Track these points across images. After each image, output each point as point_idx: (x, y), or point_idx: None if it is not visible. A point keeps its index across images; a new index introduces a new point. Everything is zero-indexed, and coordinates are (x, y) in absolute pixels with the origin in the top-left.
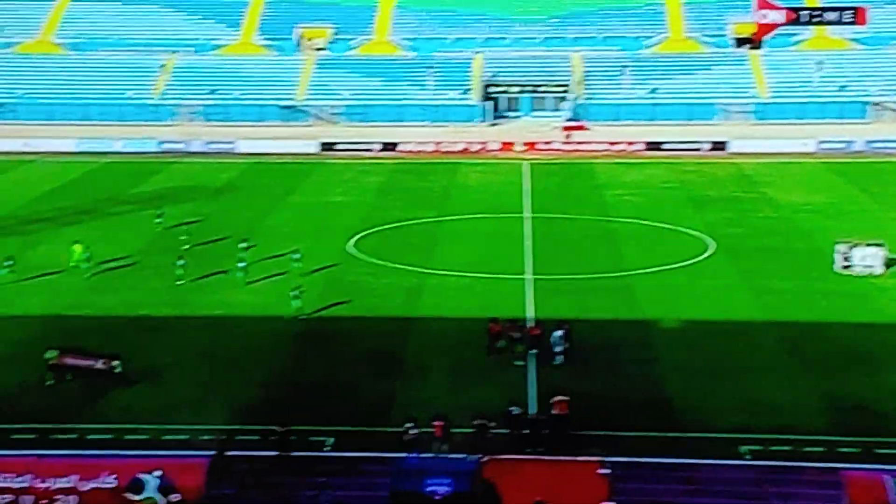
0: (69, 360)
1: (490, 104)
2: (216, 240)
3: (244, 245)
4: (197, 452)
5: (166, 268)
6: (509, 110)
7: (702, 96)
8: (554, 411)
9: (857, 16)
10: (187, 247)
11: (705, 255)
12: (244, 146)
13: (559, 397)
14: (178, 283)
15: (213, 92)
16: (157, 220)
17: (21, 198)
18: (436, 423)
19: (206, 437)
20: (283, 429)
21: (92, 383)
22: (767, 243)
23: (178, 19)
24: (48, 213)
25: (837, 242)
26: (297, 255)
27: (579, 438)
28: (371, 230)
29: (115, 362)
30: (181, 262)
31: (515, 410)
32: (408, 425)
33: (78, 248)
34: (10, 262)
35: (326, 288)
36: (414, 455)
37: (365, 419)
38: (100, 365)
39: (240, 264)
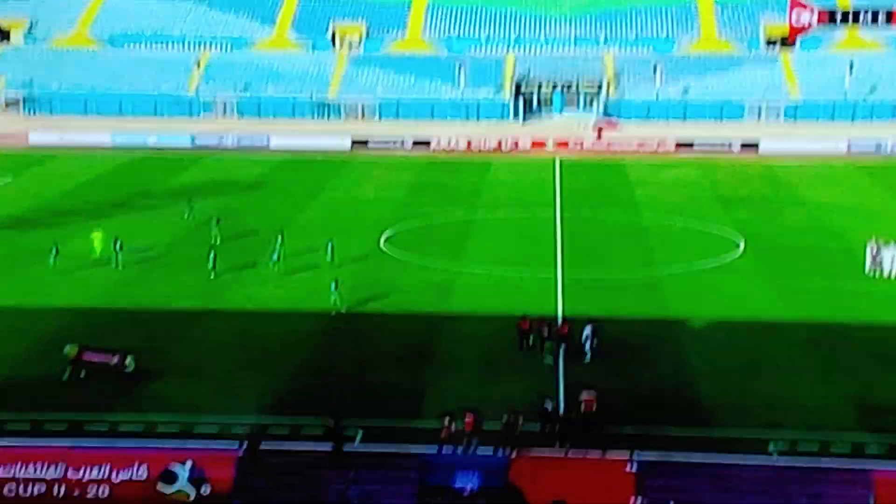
0: (86, 357)
1: (522, 102)
2: (246, 235)
3: (280, 239)
4: (228, 444)
5: (198, 261)
6: (541, 108)
7: (733, 96)
8: (581, 409)
9: (891, 17)
10: (217, 242)
11: (735, 254)
12: (277, 142)
13: (587, 393)
14: (211, 276)
15: (246, 87)
16: (187, 216)
17: (55, 190)
18: (466, 417)
19: (237, 429)
20: (334, 421)
21: (123, 375)
22: (797, 243)
23: (212, 15)
24: (82, 205)
25: (867, 243)
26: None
27: (607, 434)
28: (403, 227)
29: (128, 359)
30: (212, 255)
31: (549, 405)
32: (446, 419)
33: (98, 234)
34: (55, 252)
35: (358, 284)
36: (445, 450)
37: (395, 413)
38: (114, 361)
39: (273, 256)
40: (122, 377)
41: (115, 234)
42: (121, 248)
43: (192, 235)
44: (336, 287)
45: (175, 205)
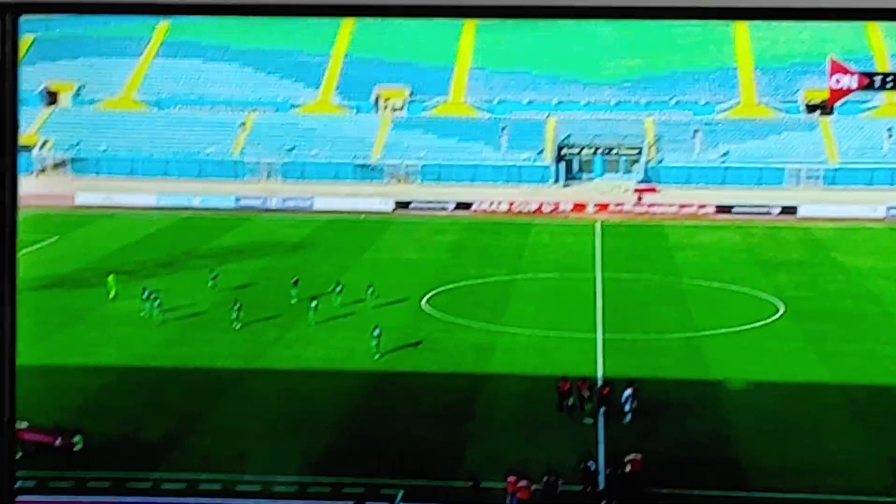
0: (27, 436)
1: (563, 165)
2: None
3: (337, 289)
4: (270, 502)
5: (242, 321)
6: (582, 172)
7: (772, 161)
8: (627, 469)
9: None
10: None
11: (774, 317)
12: (320, 203)
13: (633, 455)
14: (234, 326)
15: (291, 150)
16: (211, 282)
17: (102, 250)
18: (509, 478)
19: (278, 488)
20: (471, 482)
21: (166, 432)
22: (836, 307)
23: (258, 78)
24: (128, 265)
25: None
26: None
27: (648, 496)
28: (444, 287)
29: (76, 438)
30: (236, 307)
31: (592, 465)
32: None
33: (111, 279)
34: (158, 301)
35: (400, 343)
36: None
37: (435, 473)
38: (57, 443)
39: (312, 304)
40: (168, 433)
41: (160, 292)
42: (158, 304)
43: (234, 296)
44: (378, 333)
45: (219, 266)
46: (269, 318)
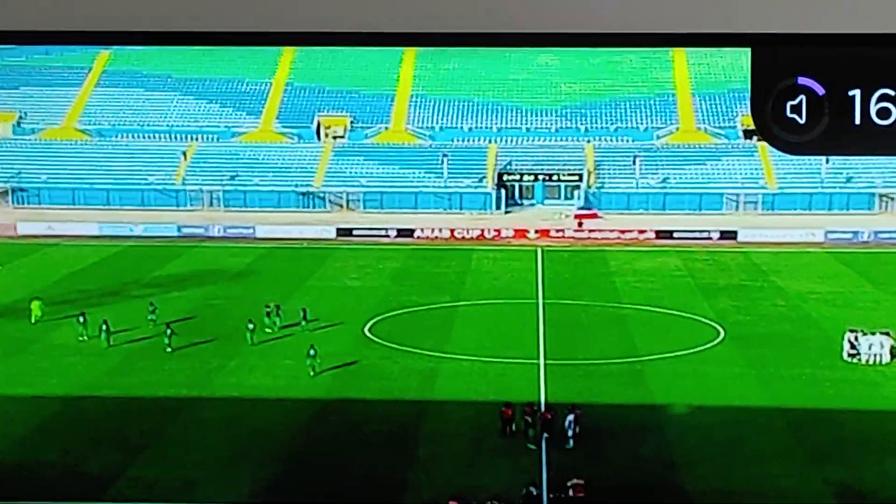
0: None
1: (504, 192)
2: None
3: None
4: None
5: (184, 350)
6: (522, 198)
7: (712, 186)
8: (570, 493)
9: None
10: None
11: (715, 342)
12: (262, 231)
13: (576, 480)
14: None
15: (232, 178)
16: (151, 318)
17: (44, 280)
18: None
19: None
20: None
21: (110, 461)
22: (776, 331)
23: (199, 107)
24: (71, 295)
25: (846, 331)
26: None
27: None
28: (387, 315)
29: None
30: (168, 333)
31: (535, 491)
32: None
33: (35, 304)
34: (105, 326)
35: (342, 371)
36: None
37: (380, 501)
38: None
39: (249, 325)
40: (110, 462)
41: (105, 321)
42: (105, 328)
43: (179, 325)
44: (314, 354)
45: (164, 294)
46: (212, 347)
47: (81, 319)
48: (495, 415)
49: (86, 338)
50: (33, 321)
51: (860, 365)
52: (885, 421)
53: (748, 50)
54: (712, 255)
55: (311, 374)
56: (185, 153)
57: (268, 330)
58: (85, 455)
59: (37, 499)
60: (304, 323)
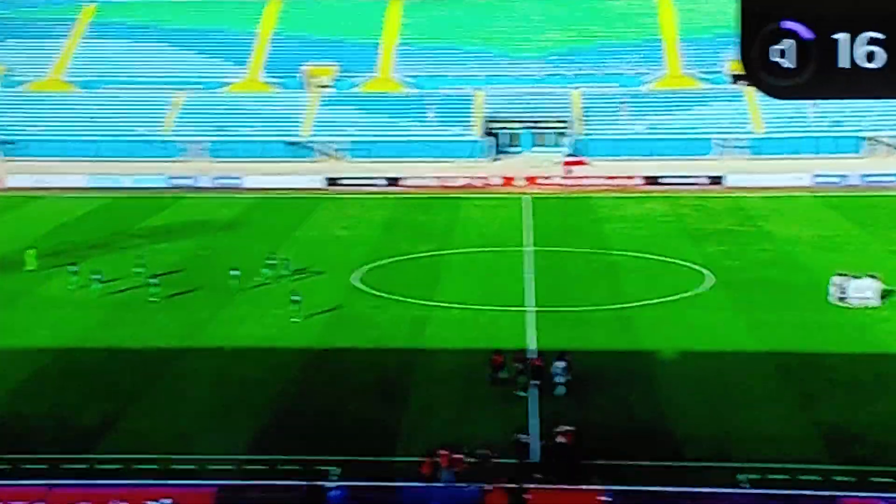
0: None
1: (491, 140)
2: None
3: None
4: (205, 482)
5: (173, 301)
6: (510, 146)
7: (699, 132)
8: (560, 440)
9: None
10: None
11: (703, 287)
12: (251, 182)
13: (565, 427)
14: (151, 300)
15: (220, 128)
16: (138, 270)
17: (33, 233)
18: (441, 451)
19: (214, 467)
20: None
21: (102, 413)
22: (764, 276)
23: (186, 57)
24: (60, 247)
25: (833, 275)
26: (272, 262)
27: (581, 467)
28: (376, 264)
29: None
30: (154, 281)
31: (524, 438)
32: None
33: (30, 253)
34: (99, 276)
35: (332, 320)
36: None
37: (370, 449)
38: None
39: (232, 272)
40: (102, 414)
41: (94, 273)
42: (99, 278)
43: (167, 277)
44: (298, 299)
45: (152, 245)
46: (202, 298)
47: (74, 269)
48: (485, 362)
49: (76, 287)
50: (28, 269)
51: (848, 308)
52: (873, 364)
53: None
54: (700, 201)
55: (297, 320)
56: (172, 104)
57: (265, 280)
58: (77, 407)
59: (29, 451)
60: (288, 273)
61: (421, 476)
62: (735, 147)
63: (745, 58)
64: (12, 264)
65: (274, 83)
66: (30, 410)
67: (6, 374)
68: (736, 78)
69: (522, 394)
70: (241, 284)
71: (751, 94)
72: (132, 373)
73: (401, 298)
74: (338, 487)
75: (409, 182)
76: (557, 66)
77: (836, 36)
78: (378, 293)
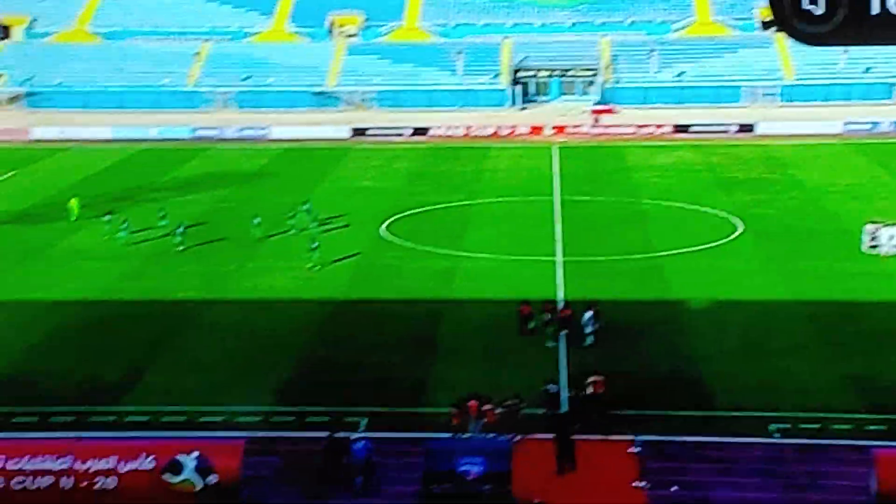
0: None
1: (519, 89)
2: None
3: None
4: (233, 433)
5: (199, 253)
6: (538, 95)
7: (728, 79)
8: (589, 391)
9: None
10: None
11: (733, 236)
12: (277, 132)
13: (595, 377)
14: (179, 248)
15: (246, 79)
16: (162, 223)
17: (58, 185)
18: (470, 402)
19: (242, 419)
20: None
21: (129, 365)
22: (795, 224)
23: (211, 7)
24: (85, 199)
25: (865, 223)
26: (306, 207)
27: (611, 417)
28: (403, 214)
29: None
30: (180, 230)
31: (553, 388)
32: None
33: (74, 202)
34: (126, 224)
35: (359, 271)
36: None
37: (398, 400)
38: None
39: (254, 220)
40: (129, 366)
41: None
42: (126, 226)
43: (192, 229)
44: (315, 245)
45: (178, 197)
46: (227, 249)
47: (108, 218)
48: (513, 313)
49: (110, 236)
50: (74, 219)
51: (880, 257)
52: None
53: None
54: (730, 149)
55: (316, 267)
56: (197, 55)
57: (290, 229)
58: (103, 359)
59: (56, 404)
60: (312, 226)
61: (451, 427)
62: (765, 94)
63: (776, 4)
64: (37, 216)
65: (300, 33)
66: (57, 363)
67: (33, 327)
68: (766, 25)
69: (551, 343)
70: (263, 233)
71: (781, 41)
72: (158, 325)
73: (428, 249)
74: (361, 439)
75: (435, 132)
76: (585, 14)
77: None
78: (405, 244)
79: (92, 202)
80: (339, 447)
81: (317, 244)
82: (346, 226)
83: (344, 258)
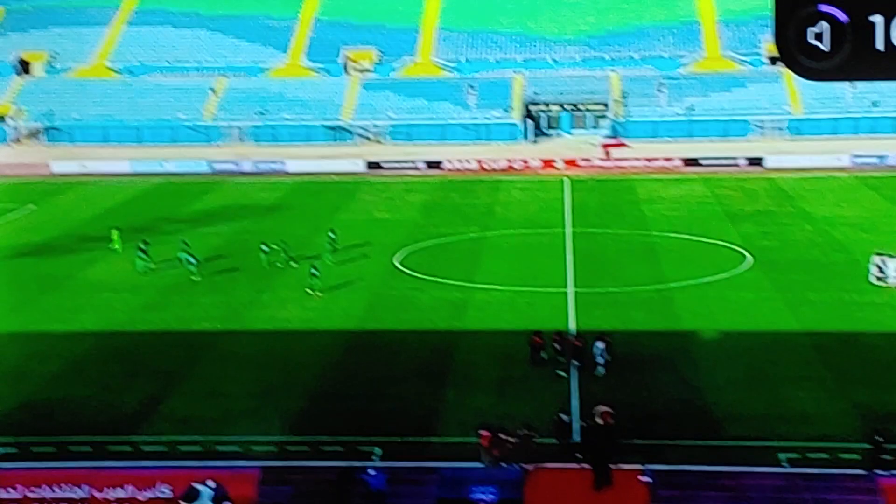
0: None
1: (531, 122)
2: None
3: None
4: (249, 462)
5: (217, 284)
6: (550, 128)
7: (737, 113)
8: (598, 421)
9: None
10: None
11: (742, 267)
12: (293, 166)
13: (604, 407)
14: (193, 278)
15: (262, 114)
16: (183, 255)
17: (77, 217)
18: (482, 432)
19: (257, 448)
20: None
21: (146, 395)
22: (803, 256)
23: (228, 43)
24: (103, 232)
25: (872, 254)
26: (332, 236)
27: (620, 447)
28: (416, 246)
29: None
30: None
31: (566, 418)
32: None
33: (115, 233)
34: (144, 252)
35: (373, 302)
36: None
37: (412, 430)
38: None
39: (263, 247)
40: (146, 397)
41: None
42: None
43: (210, 261)
44: (316, 273)
45: (194, 229)
46: (244, 281)
47: (143, 246)
48: (525, 344)
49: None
50: (114, 247)
51: (888, 288)
52: None
53: None
54: (739, 182)
55: (315, 294)
56: (214, 90)
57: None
58: (121, 389)
59: (74, 433)
60: (329, 252)
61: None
62: (774, 128)
63: (781, 40)
64: (57, 248)
65: (315, 68)
66: (75, 393)
67: (52, 357)
68: (774, 59)
69: (563, 374)
70: (271, 260)
71: (789, 75)
72: (175, 355)
73: (441, 280)
74: (375, 468)
75: (448, 165)
76: (596, 49)
77: (871, 18)
78: (419, 275)
79: (109, 235)
80: (350, 480)
81: (317, 272)
82: (362, 256)
83: (341, 285)
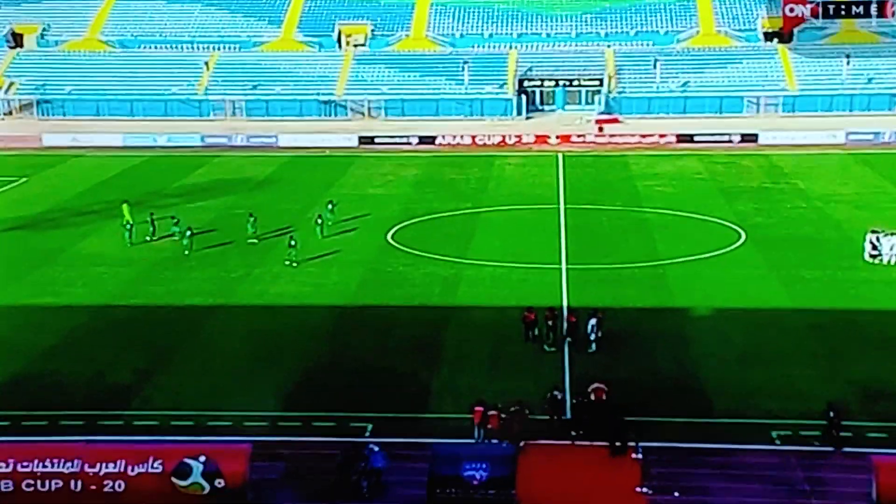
0: None
1: (525, 98)
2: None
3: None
4: (240, 438)
5: (210, 258)
6: (543, 104)
7: (732, 89)
8: (592, 398)
9: (882, 9)
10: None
11: (736, 244)
12: (285, 140)
13: (597, 384)
14: (185, 252)
15: (255, 88)
16: (174, 229)
17: (70, 191)
18: (475, 408)
19: (249, 423)
20: (515, 408)
21: (137, 370)
22: (797, 233)
23: (221, 17)
24: (95, 205)
25: (867, 231)
26: (330, 207)
27: (613, 423)
28: (409, 222)
29: None
30: (188, 234)
31: (559, 394)
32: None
33: (125, 207)
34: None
35: (366, 277)
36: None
37: (404, 406)
38: None
39: (251, 219)
40: (138, 372)
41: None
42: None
43: (202, 235)
44: (293, 244)
45: (187, 203)
46: (235, 256)
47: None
48: (518, 320)
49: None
50: (125, 221)
51: (882, 265)
52: None
53: None
54: (733, 158)
55: (292, 265)
56: (207, 63)
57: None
58: (113, 364)
59: (66, 408)
60: (328, 222)
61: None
62: (768, 105)
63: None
64: (48, 222)
65: (308, 42)
66: (66, 367)
67: (44, 331)
68: (769, 36)
69: (551, 349)
70: (257, 233)
71: (784, 52)
72: (167, 330)
73: (434, 256)
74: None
75: (442, 140)
76: (591, 24)
77: None
78: (411, 251)
79: (102, 208)
80: (354, 455)
81: (294, 243)
82: (354, 230)
83: (318, 256)
